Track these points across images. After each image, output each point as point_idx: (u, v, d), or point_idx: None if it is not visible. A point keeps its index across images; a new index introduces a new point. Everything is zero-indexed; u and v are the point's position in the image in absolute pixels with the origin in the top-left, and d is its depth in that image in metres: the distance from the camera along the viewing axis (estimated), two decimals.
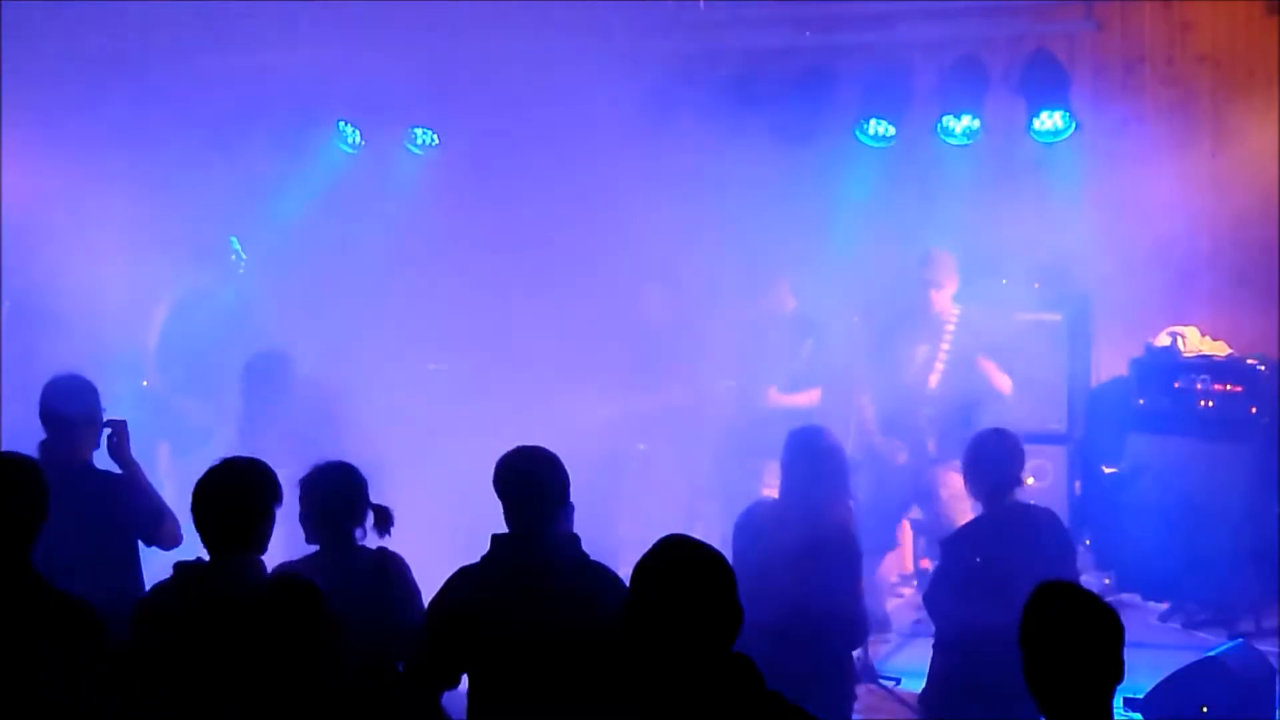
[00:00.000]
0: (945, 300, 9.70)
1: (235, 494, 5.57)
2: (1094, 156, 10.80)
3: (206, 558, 5.60)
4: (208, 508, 5.56)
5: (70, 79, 11.11)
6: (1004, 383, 9.58)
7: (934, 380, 9.62)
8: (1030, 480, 9.30)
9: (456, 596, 5.67)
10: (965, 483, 7.41)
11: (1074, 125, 10.51)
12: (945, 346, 9.65)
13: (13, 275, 10.75)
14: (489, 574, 5.65)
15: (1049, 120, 10.55)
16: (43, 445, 6.89)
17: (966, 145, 10.75)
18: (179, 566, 5.60)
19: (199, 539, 5.68)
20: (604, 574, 5.71)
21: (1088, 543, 10.41)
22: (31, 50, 10.78)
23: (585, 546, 5.85)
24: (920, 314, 9.74)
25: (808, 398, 10.12)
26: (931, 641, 7.31)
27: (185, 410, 10.38)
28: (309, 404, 8.95)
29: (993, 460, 7.19)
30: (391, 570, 6.22)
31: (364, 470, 6.42)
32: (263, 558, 5.65)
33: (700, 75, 11.19)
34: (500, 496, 5.72)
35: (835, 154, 11.04)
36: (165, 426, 9.85)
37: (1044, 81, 10.62)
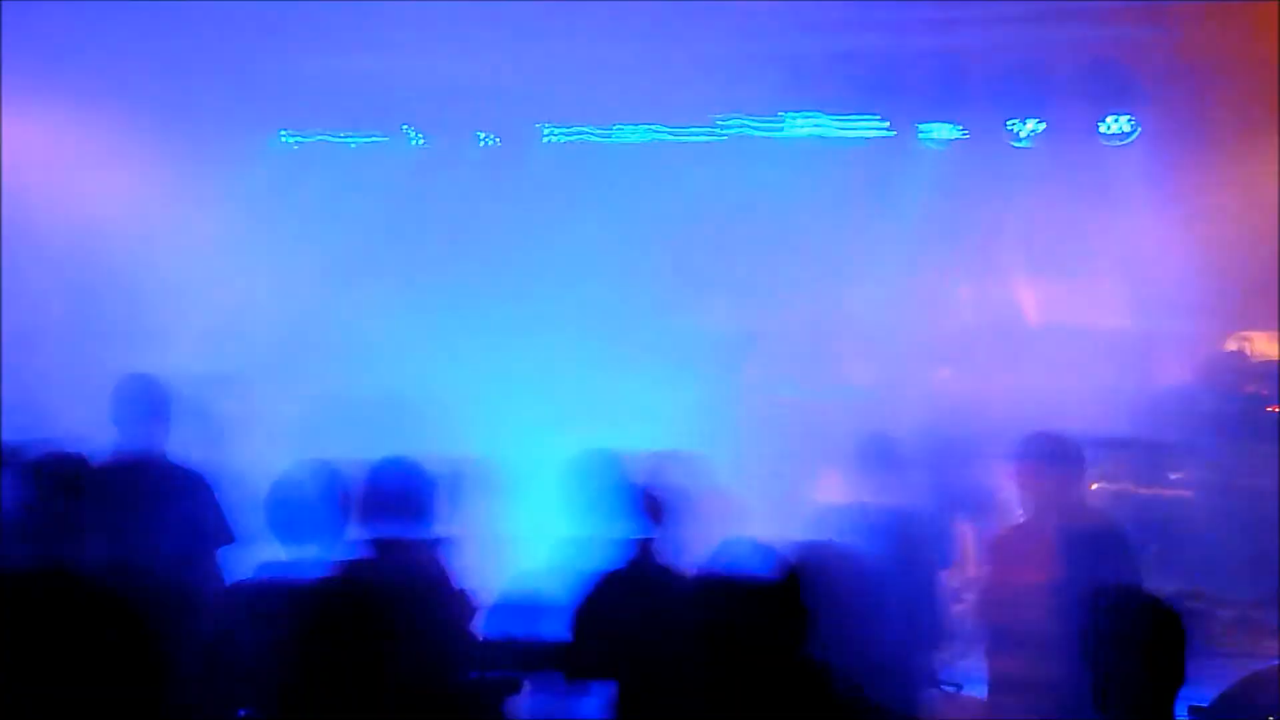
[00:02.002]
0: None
1: (309, 496, 5.67)
2: (1161, 161, 10.78)
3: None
4: (282, 510, 5.67)
5: (137, 81, 11.19)
6: None
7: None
8: (1096, 485, 9.33)
9: (598, 601, 5.75)
10: (1016, 485, 7.42)
11: (1140, 129, 10.49)
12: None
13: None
14: (632, 578, 5.74)
15: (1115, 124, 10.54)
16: (117, 444, 7.05)
17: (1033, 148, 10.74)
18: (262, 565, 5.71)
19: None
20: (684, 577, 5.62)
21: (1155, 549, 10.38)
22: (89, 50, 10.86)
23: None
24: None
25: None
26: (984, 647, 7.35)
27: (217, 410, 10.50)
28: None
29: (1043, 462, 7.19)
30: (439, 569, 6.20)
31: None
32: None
33: (760, 78, 11.19)
34: (570, 498, 5.83)
35: (901, 156, 11.05)
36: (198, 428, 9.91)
37: (1110, 85, 10.61)
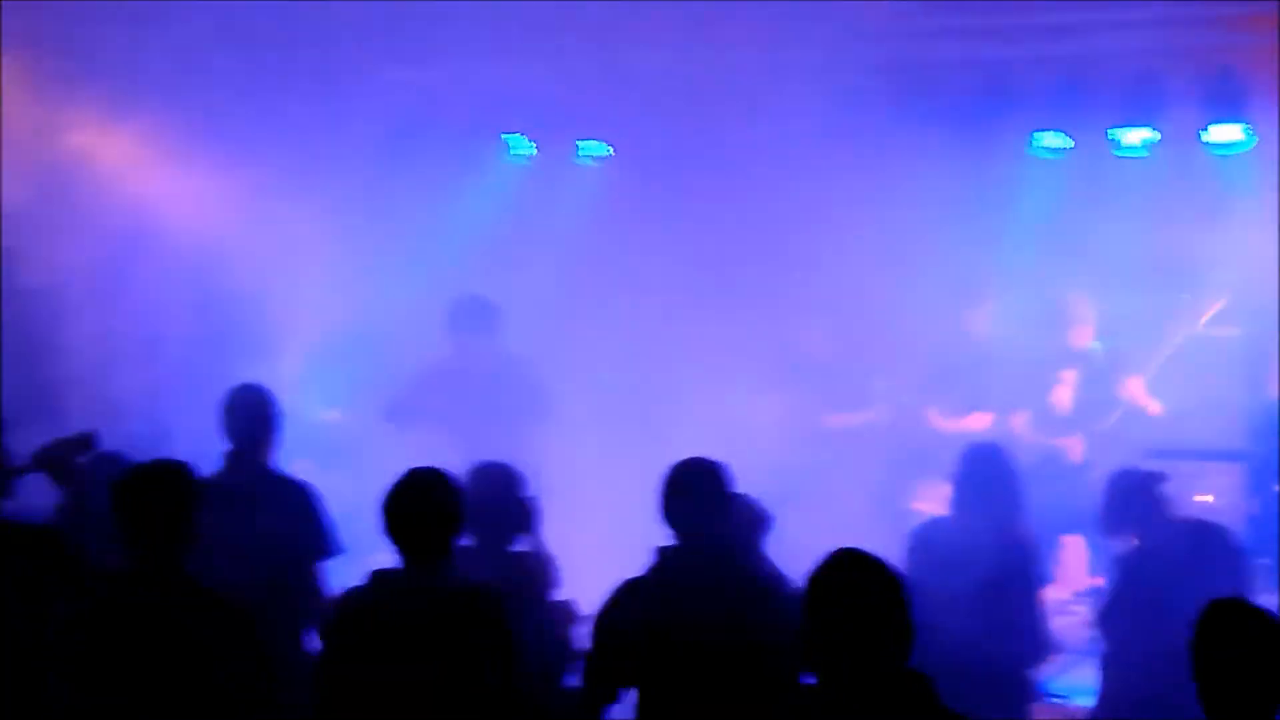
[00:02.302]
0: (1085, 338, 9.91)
1: (426, 506, 5.67)
2: (1276, 170, 10.59)
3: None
4: (399, 519, 5.66)
5: (250, 93, 11.33)
6: (1152, 406, 9.76)
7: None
8: (1209, 498, 9.47)
9: (622, 609, 5.70)
10: (1102, 522, 7.43)
11: (1254, 138, 10.34)
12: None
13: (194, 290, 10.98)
14: (655, 586, 5.67)
15: (1229, 133, 10.39)
16: (228, 455, 7.13)
17: (1144, 157, 10.62)
18: (376, 573, 5.70)
19: None
20: (772, 586, 5.77)
21: (1267, 562, 10.20)
22: (203, 61, 10.95)
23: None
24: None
25: (977, 421, 10.15)
26: (1100, 659, 7.33)
27: (325, 425, 10.58)
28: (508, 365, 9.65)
29: (1122, 497, 7.23)
30: (523, 577, 6.40)
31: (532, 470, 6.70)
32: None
33: (877, 88, 11.12)
34: (665, 507, 5.76)
35: (1012, 167, 10.96)
36: (305, 442, 9.95)
37: (1224, 93, 10.45)
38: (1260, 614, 4.41)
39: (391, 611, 5.51)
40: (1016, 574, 6.90)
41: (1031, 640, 7.00)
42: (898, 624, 4.24)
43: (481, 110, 11.67)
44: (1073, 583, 10.22)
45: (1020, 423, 10.09)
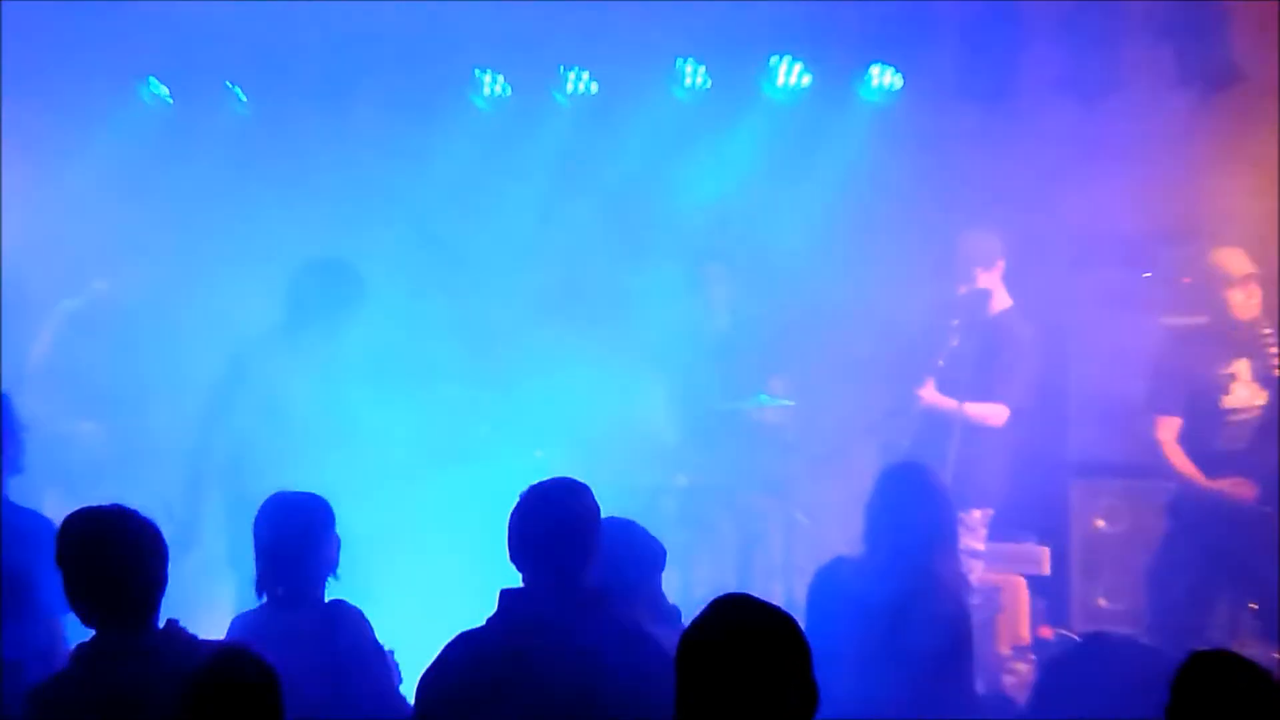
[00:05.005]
0: (1254, 303, 8.60)
1: (125, 553, 4.84)
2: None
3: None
4: (91, 571, 4.84)
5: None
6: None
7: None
8: (1100, 523, 9.36)
9: (453, 670, 5.03)
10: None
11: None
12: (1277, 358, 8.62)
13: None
14: (496, 641, 5.01)
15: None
16: None
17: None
18: (78, 650, 4.86)
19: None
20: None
21: (1254, 606, 9.51)
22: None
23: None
24: (1222, 323, 8.63)
25: (995, 412, 9.06)
26: None
27: (73, 442, 9.54)
28: None
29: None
30: (345, 629, 5.69)
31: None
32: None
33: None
34: (511, 541, 5.12)
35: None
36: (51, 467, 8.62)
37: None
38: (1249, 667, 4.13)
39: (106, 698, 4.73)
40: (936, 625, 6.15)
41: (957, 709, 6.18)
42: (793, 687, 3.80)
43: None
44: (1014, 635, 9.68)
45: None
